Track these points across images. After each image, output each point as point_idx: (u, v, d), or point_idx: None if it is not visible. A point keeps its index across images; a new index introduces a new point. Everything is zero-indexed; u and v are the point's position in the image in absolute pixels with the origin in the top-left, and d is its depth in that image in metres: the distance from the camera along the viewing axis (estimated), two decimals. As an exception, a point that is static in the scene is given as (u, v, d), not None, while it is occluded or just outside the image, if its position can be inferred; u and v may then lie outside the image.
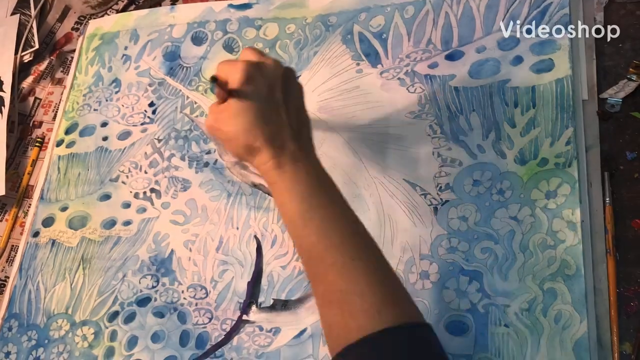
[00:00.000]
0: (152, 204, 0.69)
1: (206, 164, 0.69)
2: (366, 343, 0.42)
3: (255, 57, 0.51)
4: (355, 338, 0.42)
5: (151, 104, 0.75)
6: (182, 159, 0.70)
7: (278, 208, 0.50)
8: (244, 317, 0.60)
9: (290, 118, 0.50)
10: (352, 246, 0.46)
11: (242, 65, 0.48)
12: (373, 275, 0.45)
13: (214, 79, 0.49)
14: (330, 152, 0.64)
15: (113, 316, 0.64)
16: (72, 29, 0.89)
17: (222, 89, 0.49)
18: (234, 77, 0.48)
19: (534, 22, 0.62)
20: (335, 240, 0.46)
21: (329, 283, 0.45)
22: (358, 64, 0.68)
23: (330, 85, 0.67)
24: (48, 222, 0.72)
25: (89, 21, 0.85)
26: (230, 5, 0.77)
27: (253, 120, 0.48)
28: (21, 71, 0.87)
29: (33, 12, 0.90)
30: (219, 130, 0.50)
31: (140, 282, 0.65)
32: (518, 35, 0.62)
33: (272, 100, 0.49)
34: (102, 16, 0.87)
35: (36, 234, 0.72)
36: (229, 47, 0.75)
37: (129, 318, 0.64)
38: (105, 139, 0.75)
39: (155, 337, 0.62)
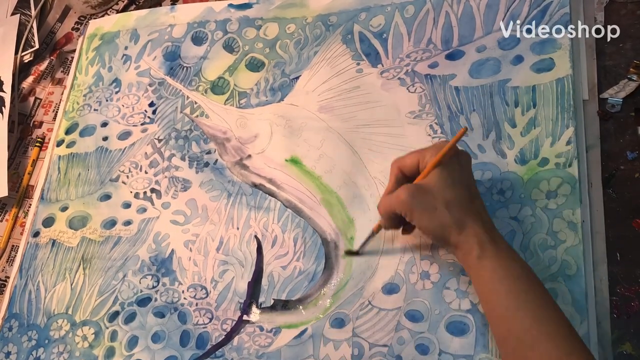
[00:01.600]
0: (153, 204, 0.69)
1: (206, 164, 0.69)
2: None
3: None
4: None
5: (151, 104, 0.75)
6: (183, 159, 0.70)
7: (484, 286, 0.48)
8: (245, 317, 0.60)
9: (483, 202, 0.51)
10: (566, 340, 0.43)
11: (446, 144, 0.49)
12: None
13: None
14: (330, 152, 0.64)
15: (113, 316, 0.64)
16: (73, 29, 0.89)
17: (432, 163, 0.49)
18: (443, 149, 0.49)
19: (534, 22, 0.62)
20: (550, 329, 0.43)
21: None
22: (358, 64, 0.67)
23: (330, 85, 0.67)
24: (48, 222, 0.72)
25: (89, 21, 0.85)
26: (231, 5, 0.77)
27: (464, 193, 0.49)
28: (21, 71, 0.87)
29: (33, 12, 0.90)
30: (423, 200, 0.49)
31: (140, 282, 0.65)
32: (518, 34, 0.62)
33: (473, 180, 0.50)
34: (103, 16, 0.87)
35: (36, 234, 0.72)
36: (229, 47, 0.74)
37: (130, 318, 0.64)
38: (105, 139, 0.75)
39: (156, 337, 0.62)
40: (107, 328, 0.64)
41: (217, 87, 0.73)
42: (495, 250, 0.47)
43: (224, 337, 0.60)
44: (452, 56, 0.64)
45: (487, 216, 0.49)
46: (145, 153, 0.72)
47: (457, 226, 0.48)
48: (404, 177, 0.52)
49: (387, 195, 0.51)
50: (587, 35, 0.61)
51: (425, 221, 0.49)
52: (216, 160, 0.69)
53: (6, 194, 0.76)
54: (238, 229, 0.64)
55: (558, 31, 0.60)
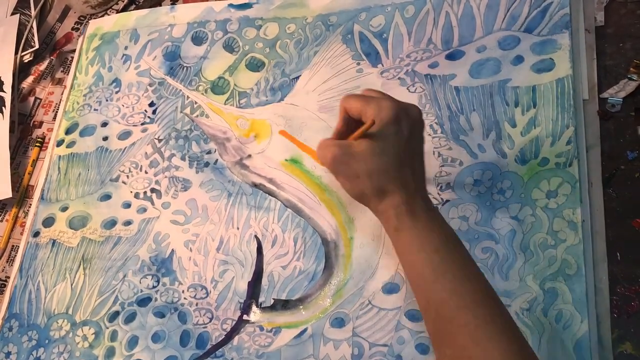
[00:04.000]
0: (153, 203, 0.69)
1: (206, 164, 0.69)
2: None
3: (390, 96, 0.49)
4: None
5: (151, 104, 0.75)
6: (183, 158, 0.70)
7: (400, 254, 0.48)
8: (245, 317, 0.60)
9: (421, 166, 0.49)
10: (486, 308, 0.43)
11: (391, 104, 0.47)
12: (507, 343, 0.41)
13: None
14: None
15: (113, 316, 0.64)
16: (72, 28, 0.89)
17: (365, 127, 0.47)
18: (383, 114, 0.46)
19: (534, 22, 0.62)
20: (468, 300, 0.43)
21: (458, 347, 0.42)
22: (358, 64, 0.67)
23: (330, 85, 0.67)
24: (48, 222, 0.72)
25: (89, 21, 0.85)
26: (231, 5, 0.77)
27: (392, 162, 0.46)
28: (21, 71, 0.87)
29: (33, 12, 0.90)
30: (347, 166, 0.47)
31: (140, 282, 0.65)
32: (518, 34, 0.62)
33: (410, 146, 0.48)
34: (102, 16, 0.87)
35: (36, 234, 0.72)
36: (229, 47, 0.74)
37: (130, 318, 0.64)
38: (105, 138, 0.75)
39: (156, 337, 0.62)
40: (107, 328, 0.64)
41: (217, 87, 0.73)
42: (412, 222, 0.46)
43: (224, 337, 0.60)
44: (452, 56, 0.64)
45: (417, 184, 0.48)
46: (146, 153, 0.72)
47: (376, 196, 0.47)
48: (352, 119, 0.49)
49: (324, 143, 0.49)
50: (587, 35, 0.61)
51: (347, 187, 0.49)
52: (216, 160, 0.69)
53: (10, 195, 0.76)
54: (238, 228, 0.64)
55: (558, 31, 0.60)
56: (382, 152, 0.46)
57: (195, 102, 0.73)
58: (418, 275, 0.46)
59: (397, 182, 0.46)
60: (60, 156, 0.76)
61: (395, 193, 0.46)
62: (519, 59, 0.61)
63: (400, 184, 0.46)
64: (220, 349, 0.59)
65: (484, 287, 0.44)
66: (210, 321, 0.61)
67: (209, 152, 0.70)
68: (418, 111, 0.49)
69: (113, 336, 0.63)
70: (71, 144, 0.76)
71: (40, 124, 0.83)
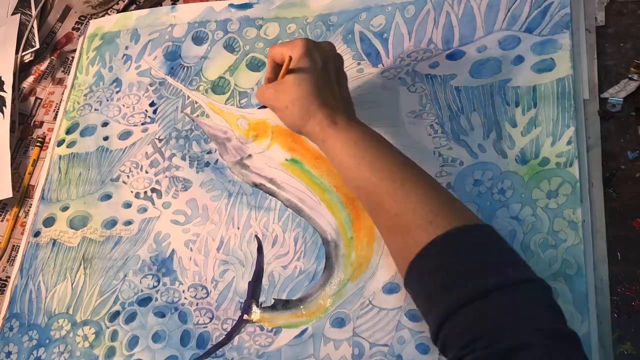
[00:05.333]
0: (153, 203, 0.69)
1: (207, 164, 0.69)
2: (422, 255, 0.45)
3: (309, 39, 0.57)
4: (414, 253, 0.45)
5: (152, 104, 0.75)
6: (183, 158, 0.70)
7: (331, 160, 0.55)
8: (245, 316, 0.60)
9: (341, 93, 0.57)
10: (402, 173, 0.50)
11: (302, 41, 0.55)
12: (423, 194, 0.48)
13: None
14: (331, 151, 0.64)
15: (114, 316, 0.64)
16: (73, 28, 0.89)
17: (286, 65, 0.55)
18: (295, 52, 0.55)
19: (535, 22, 0.62)
20: (386, 171, 0.50)
21: (386, 211, 0.49)
22: (359, 64, 0.67)
23: (331, 85, 0.67)
24: (49, 222, 0.72)
25: (90, 21, 0.85)
26: (231, 5, 0.77)
27: (311, 88, 0.54)
28: (22, 71, 0.87)
29: (34, 12, 0.90)
30: (278, 100, 0.56)
31: (141, 282, 0.65)
32: (519, 34, 0.62)
33: (326, 73, 0.56)
34: (103, 16, 0.87)
35: (37, 234, 0.72)
36: (229, 47, 0.75)
37: (130, 318, 0.64)
38: (106, 138, 0.75)
39: (156, 337, 0.62)
40: (108, 328, 0.64)
41: (218, 87, 0.73)
42: (334, 130, 0.53)
43: (224, 336, 0.60)
44: (453, 56, 0.64)
45: (337, 104, 0.55)
46: (146, 153, 0.72)
47: (303, 118, 0.55)
48: (278, 65, 0.58)
49: (260, 89, 0.59)
50: (588, 35, 0.61)
51: (282, 119, 0.57)
52: (217, 160, 0.69)
53: (11, 195, 0.76)
54: (238, 228, 0.64)
55: (559, 31, 0.60)
56: (300, 82, 0.54)
57: (196, 102, 0.73)
58: (346, 169, 0.53)
59: (317, 103, 0.54)
60: (60, 156, 0.76)
61: (317, 112, 0.54)
62: (519, 59, 0.61)
63: (320, 104, 0.54)
64: (220, 349, 0.59)
65: (400, 159, 0.51)
66: (210, 321, 0.61)
67: (209, 152, 0.70)
68: (329, 45, 0.58)
69: (113, 336, 0.63)
70: (72, 144, 0.76)
71: (41, 123, 0.83)
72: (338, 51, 0.59)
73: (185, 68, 0.76)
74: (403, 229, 0.47)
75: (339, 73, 0.58)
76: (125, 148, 0.73)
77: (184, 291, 0.63)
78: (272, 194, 0.65)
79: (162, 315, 0.63)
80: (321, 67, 0.55)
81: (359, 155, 0.51)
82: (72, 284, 0.67)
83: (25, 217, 0.76)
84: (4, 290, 0.72)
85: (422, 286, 0.46)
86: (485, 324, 0.40)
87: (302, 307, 0.59)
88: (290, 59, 0.55)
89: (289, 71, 0.55)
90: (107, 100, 0.77)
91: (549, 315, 0.41)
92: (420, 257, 0.45)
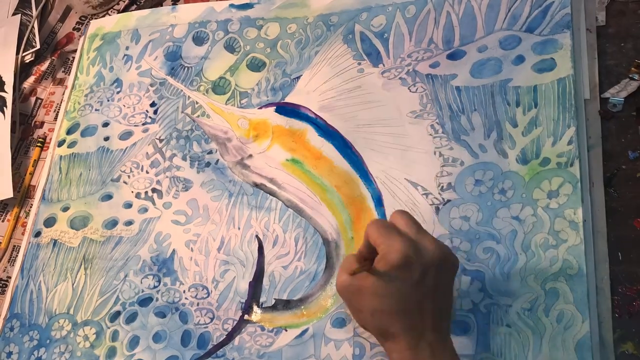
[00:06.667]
0: (154, 204, 0.69)
1: (207, 164, 0.69)
2: None
3: (413, 231, 0.47)
4: None
5: (152, 104, 0.75)
6: (184, 158, 0.70)
7: None
8: (246, 317, 0.60)
9: (435, 306, 0.46)
10: None
11: (403, 246, 0.45)
12: None
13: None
14: (330, 152, 0.64)
15: (115, 316, 0.64)
16: (74, 29, 0.89)
17: (371, 256, 0.47)
18: (391, 256, 0.45)
19: (535, 22, 0.62)
20: None
21: None
22: (359, 64, 0.67)
23: (331, 85, 0.67)
24: (50, 222, 0.72)
25: (90, 21, 0.85)
26: (232, 5, 0.77)
27: (395, 307, 0.45)
28: (22, 71, 0.87)
29: (34, 13, 0.90)
30: (352, 298, 0.47)
31: (141, 282, 0.65)
32: (520, 34, 0.62)
33: (422, 288, 0.45)
34: (104, 16, 0.87)
35: (38, 234, 0.72)
36: (230, 47, 0.75)
37: (131, 318, 0.64)
38: (106, 139, 0.75)
39: (157, 337, 0.62)
40: (109, 328, 0.64)
41: (218, 87, 0.73)
42: (415, 358, 0.44)
43: (225, 336, 0.60)
44: (454, 56, 0.64)
45: (425, 328, 0.45)
46: (147, 153, 0.72)
47: (380, 335, 0.47)
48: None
49: (343, 264, 0.49)
50: (589, 35, 0.61)
51: (354, 316, 0.50)
52: (217, 160, 0.69)
53: (11, 195, 0.76)
54: (239, 228, 0.64)
55: (559, 31, 0.60)
56: (384, 294, 0.45)
57: (197, 102, 0.73)
58: None
59: (399, 325, 0.45)
60: (61, 156, 0.76)
61: (397, 337, 0.45)
62: (520, 59, 0.61)
63: (403, 328, 0.45)
64: (221, 349, 0.59)
65: None
66: (211, 321, 0.61)
67: (210, 152, 0.70)
68: (433, 250, 0.46)
69: (114, 336, 0.63)
70: (72, 144, 0.76)
71: (42, 124, 0.83)
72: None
73: (186, 68, 0.76)
74: None
75: (442, 274, 0.47)
76: (126, 148, 0.73)
77: (184, 291, 0.63)
78: (272, 194, 0.65)
79: (163, 316, 0.63)
80: (417, 280, 0.45)
81: None
82: (72, 284, 0.67)
83: (26, 218, 0.76)
84: (5, 290, 0.72)
85: None
86: None
87: (302, 307, 0.59)
88: (375, 256, 0.46)
89: (378, 272, 0.45)
90: (108, 101, 0.77)
91: None
92: None
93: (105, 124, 0.76)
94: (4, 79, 0.85)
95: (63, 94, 0.82)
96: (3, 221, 0.78)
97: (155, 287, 0.64)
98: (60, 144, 0.77)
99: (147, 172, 0.71)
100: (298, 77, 0.69)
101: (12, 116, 0.82)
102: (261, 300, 0.60)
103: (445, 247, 0.47)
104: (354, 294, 0.46)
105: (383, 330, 0.46)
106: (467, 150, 0.59)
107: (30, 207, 0.76)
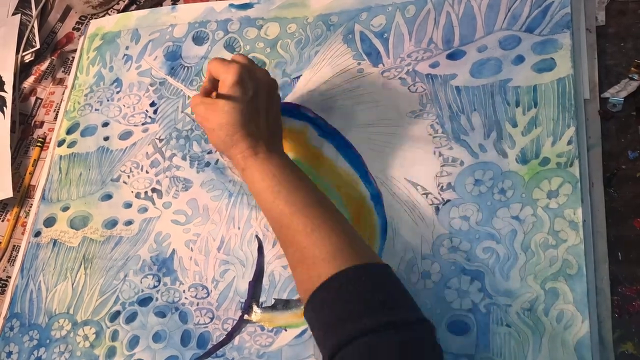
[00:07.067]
0: (154, 203, 0.69)
1: (207, 164, 0.69)
2: (323, 287, 0.48)
3: (247, 62, 0.59)
4: (317, 285, 0.48)
5: (152, 104, 0.75)
6: (184, 158, 0.70)
7: (250, 189, 0.57)
8: (246, 316, 0.60)
9: (268, 122, 0.59)
10: (314, 209, 0.53)
11: (236, 68, 0.56)
12: (330, 230, 0.51)
13: None
14: (330, 151, 0.64)
15: (114, 316, 0.64)
16: (73, 29, 0.89)
17: (214, 89, 0.58)
18: (227, 78, 0.56)
19: (535, 22, 0.62)
20: (299, 205, 0.53)
21: (295, 243, 0.52)
22: (359, 64, 0.67)
23: (331, 85, 0.67)
24: (49, 222, 0.72)
25: (90, 21, 0.85)
26: (232, 5, 0.77)
27: (238, 117, 0.56)
28: (22, 71, 0.87)
29: (34, 12, 0.90)
30: (207, 120, 0.57)
31: (141, 282, 0.65)
32: (519, 34, 0.62)
33: (255, 103, 0.57)
34: (103, 16, 0.87)
35: (38, 234, 0.72)
36: (230, 47, 0.75)
37: (131, 318, 0.64)
38: (106, 138, 0.75)
39: (157, 337, 0.62)
40: (108, 328, 0.64)
41: (218, 87, 0.73)
42: (254, 161, 0.56)
43: (225, 336, 0.60)
44: (453, 56, 0.64)
45: (261, 135, 0.57)
46: (147, 153, 0.72)
47: (227, 145, 0.57)
48: (215, 79, 0.59)
49: (193, 100, 0.59)
50: (588, 35, 0.61)
51: (208, 137, 0.59)
52: (217, 160, 0.69)
53: (11, 195, 0.76)
54: (239, 228, 0.64)
55: (559, 31, 0.60)
56: (229, 110, 0.56)
57: (196, 102, 0.73)
58: (263, 200, 0.55)
59: (242, 132, 0.56)
60: (61, 156, 0.76)
61: (240, 142, 0.56)
62: (519, 59, 0.61)
63: (244, 134, 0.56)
64: (221, 349, 0.59)
65: (314, 195, 0.54)
66: (211, 321, 0.61)
67: (209, 152, 0.70)
68: (263, 72, 0.60)
69: (114, 336, 0.63)
70: (72, 144, 0.76)
71: (41, 124, 0.83)
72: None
73: (186, 68, 0.76)
74: (309, 262, 0.50)
75: (270, 99, 0.60)
76: (126, 148, 0.73)
77: (184, 291, 0.63)
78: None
79: (163, 315, 0.63)
80: (251, 96, 0.57)
81: (275, 188, 0.54)
82: (72, 284, 0.67)
83: (25, 217, 0.76)
84: (5, 290, 0.72)
85: (320, 316, 0.48)
86: (374, 357, 0.43)
87: (302, 307, 0.59)
88: (217, 82, 0.58)
89: (221, 95, 0.57)
90: (108, 100, 0.77)
91: (436, 355, 0.45)
92: (322, 289, 0.48)
93: (105, 124, 0.76)
94: (3, 78, 0.85)
95: (63, 93, 0.82)
96: (3, 221, 0.78)
97: (155, 286, 0.64)
98: (60, 143, 0.77)
99: (147, 172, 0.71)
100: (298, 77, 0.69)
101: (12, 116, 0.82)
102: (261, 300, 0.60)
103: (273, 80, 0.61)
104: (206, 115, 0.57)
105: (229, 139, 0.56)
106: (466, 150, 0.59)
107: (30, 206, 0.76)
